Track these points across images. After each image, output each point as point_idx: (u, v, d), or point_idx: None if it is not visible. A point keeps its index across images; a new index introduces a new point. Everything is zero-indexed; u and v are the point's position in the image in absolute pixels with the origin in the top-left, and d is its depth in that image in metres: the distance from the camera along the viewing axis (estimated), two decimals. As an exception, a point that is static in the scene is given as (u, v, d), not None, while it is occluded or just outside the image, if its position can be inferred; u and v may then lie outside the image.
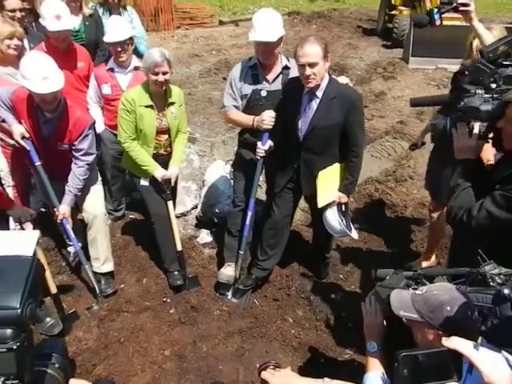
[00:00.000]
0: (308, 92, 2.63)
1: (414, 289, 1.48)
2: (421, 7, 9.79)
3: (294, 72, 2.83)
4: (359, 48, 10.16)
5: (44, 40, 3.31)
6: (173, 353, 2.74)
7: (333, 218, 2.84)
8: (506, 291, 1.29)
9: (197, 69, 8.44)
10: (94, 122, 3.39)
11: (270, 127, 2.76)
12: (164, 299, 3.13)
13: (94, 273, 3.10)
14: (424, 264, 3.37)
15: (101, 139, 3.47)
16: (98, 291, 3.06)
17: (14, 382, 0.63)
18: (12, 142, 2.90)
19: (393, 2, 10.77)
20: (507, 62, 1.81)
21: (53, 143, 2.83)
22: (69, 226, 2.94)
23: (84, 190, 3.00)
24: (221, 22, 12.00)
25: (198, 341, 2.81)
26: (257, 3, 14.52)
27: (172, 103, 2.96)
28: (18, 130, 2.75)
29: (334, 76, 2.72)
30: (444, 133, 1.97)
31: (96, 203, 3.10)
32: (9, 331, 0.62)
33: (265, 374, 1.42)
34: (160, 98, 2.90)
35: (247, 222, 2.93)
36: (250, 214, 2.93)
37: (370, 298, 1.68)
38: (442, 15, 2.23)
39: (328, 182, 2.84)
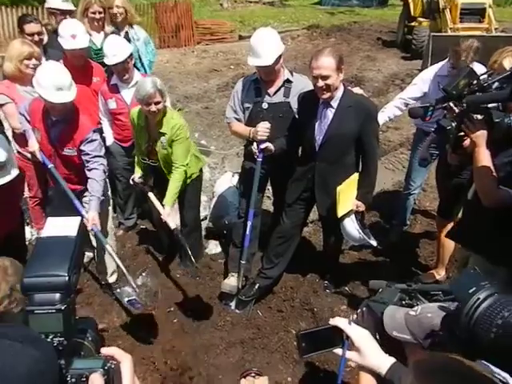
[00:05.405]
0: (323, 102, 2.67)
1: (407, 305, 1.45)
2: (441, 18, 9.74)
3: (296, 85, 2.89)
4: (377, 60, 10.12)
5: (62, 57, 3.48)
6: (174, 362, 2.76)
7: (351, 226, 2.83)
8: None
9: (215, 83, 8.60)
10: (101, 129, 3.51)
11: (264, 138, 2.80)
12: (169, 308, 3.17)
13: None
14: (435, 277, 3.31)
15: (110, 152, 3.58)
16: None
17: (60, 339, 0.75)
18: (28, 154, 3.08)
19: (412, 13, 10.74)
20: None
21: (59, 147, 2.90)
22: (99, 233, 2.82)
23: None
24: (240, 37, 12.20)
25: (200, 350, 2.84)
26: (277, 17, 14.71)
27: (163, 134, 2.97)
28: (34, 146, 2.91)
29: (349, 87, 2.75)
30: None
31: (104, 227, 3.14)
32: (57, 295, 0.75)
33: (244, 382, 1.43)
34: (153, 124, 2.97)
35: (247, 231, 2.95)
36: (249, 223, 2.95)
37: (361, 311, 1.65)
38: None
39: (347, 194, 2.85)
